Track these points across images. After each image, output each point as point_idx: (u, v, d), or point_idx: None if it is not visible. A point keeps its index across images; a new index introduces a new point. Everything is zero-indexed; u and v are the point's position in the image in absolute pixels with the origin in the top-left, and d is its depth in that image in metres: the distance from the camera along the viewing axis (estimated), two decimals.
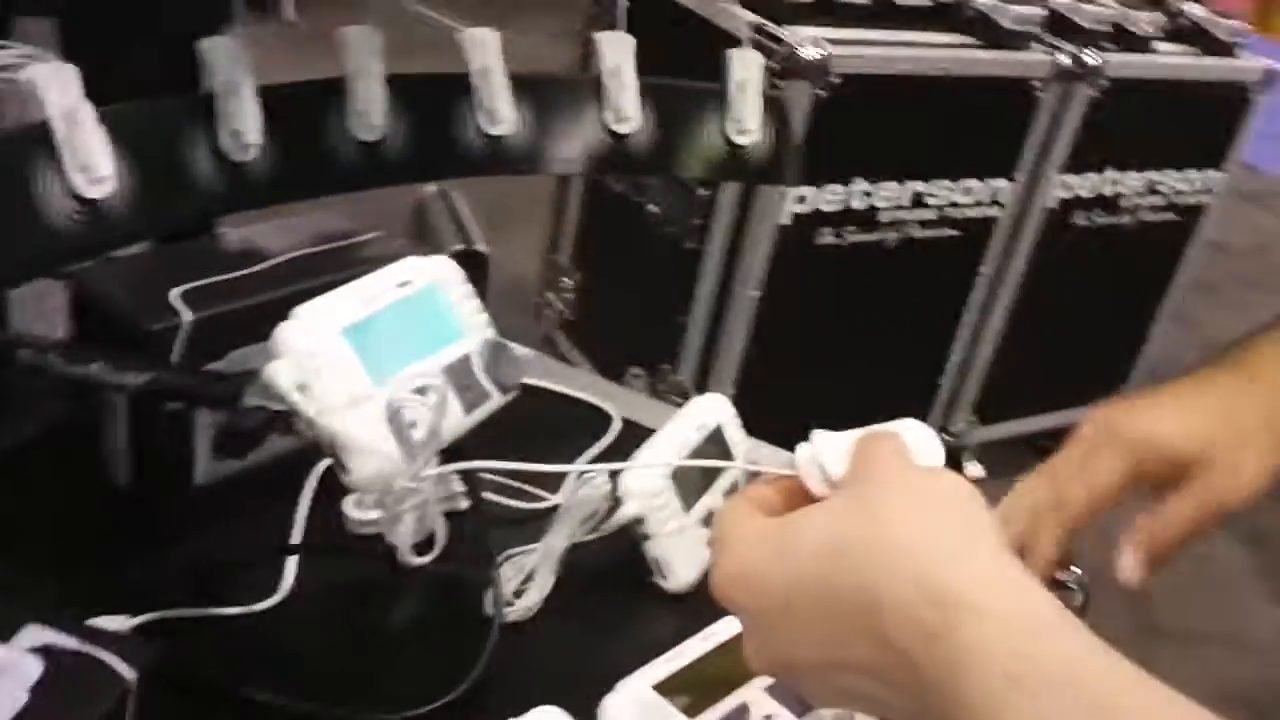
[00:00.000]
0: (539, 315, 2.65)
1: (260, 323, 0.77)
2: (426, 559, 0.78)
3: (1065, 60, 2.17)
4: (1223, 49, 2.43)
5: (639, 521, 0.80)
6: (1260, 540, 2.63)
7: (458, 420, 0.68)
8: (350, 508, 0.82)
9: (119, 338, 0.74)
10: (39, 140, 0.75)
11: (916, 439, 0.51)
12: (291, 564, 0.77)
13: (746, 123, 1.13)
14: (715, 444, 0.87)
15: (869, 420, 0.52)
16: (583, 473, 0.84)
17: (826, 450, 0.51)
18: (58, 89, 0.76)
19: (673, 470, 0.81)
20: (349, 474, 0.63)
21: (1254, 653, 2.32)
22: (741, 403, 0.89)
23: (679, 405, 0.91)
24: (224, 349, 0.77)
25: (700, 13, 2.08)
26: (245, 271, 0.79)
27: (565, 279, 2.57)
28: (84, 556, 0.78)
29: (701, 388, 2.16)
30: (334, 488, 0.74)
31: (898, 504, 0.46)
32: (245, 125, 0.86)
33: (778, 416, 0.93)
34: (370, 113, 0.94)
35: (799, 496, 0.52)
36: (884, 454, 0.49)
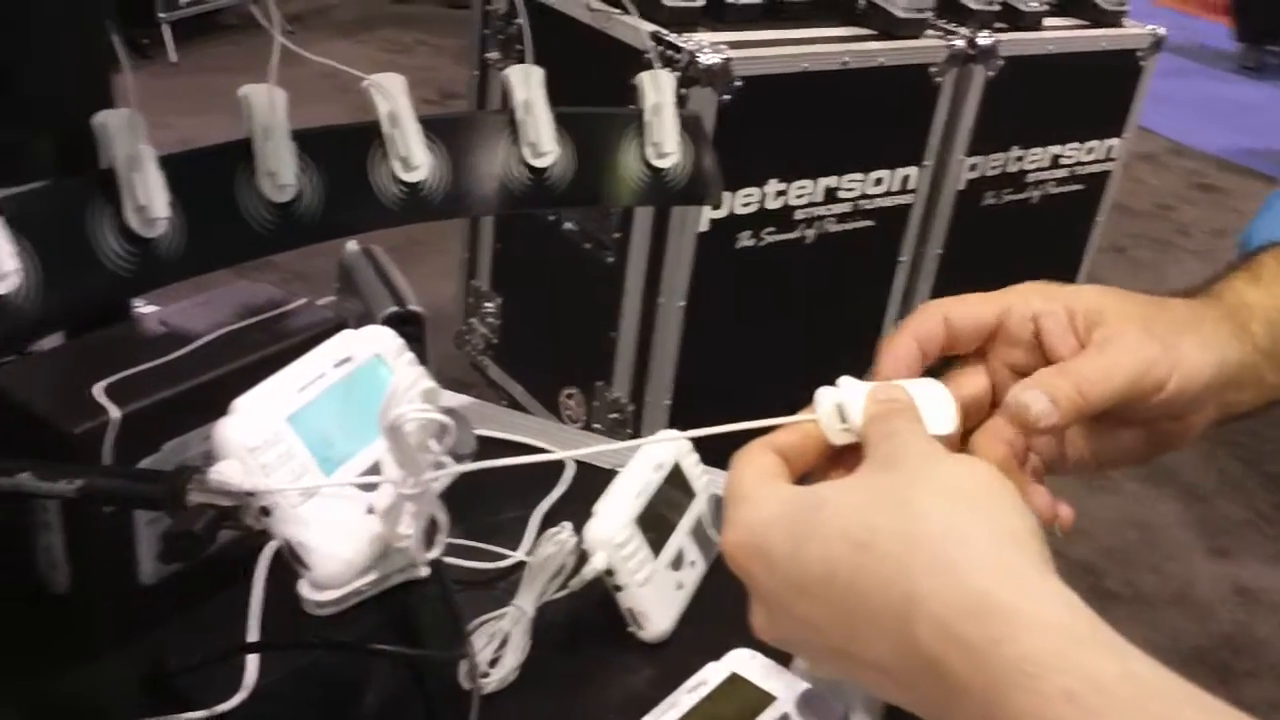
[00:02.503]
0: (463, 343, 2.61)
1: (193, 410, 0.74)
2: (392, 648, 0.75)
3: (959, 44, 2.19)
4: (1109, 19, 2.48)
5: (609, 573, 0.78)
6: (1191, 495, 2.69)
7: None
8: (306, 590, 0.79)
9: (43, 442, 0.70)
10: None
11: (931, 399, 0.50)
12: (253, 659, 0.73)
13: (665, 145, 1.11)
14: (676, 482, 0.85)
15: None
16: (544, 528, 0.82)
17: (850, 399, 0.49)
18: None
19: (637, 516, 0.79)
20: (310, 571, 0.60)
21: (1201, 608, 2.37)
22: (680, 413, 0.88)
23: (628, 435, 0.90)
24: (157, 442, 0.73)
25: (596, 26, 2.06)
26: (171, 356, 0.75)
27: (487, 304, 2.53)
28: (26, 671, 0.73)
29: (638, 401, 2.15)
30: (288, 569, 0.70)
31: (930, 499, 0.43)
32: (151, 199, 0.82)
33: (718, 422, 0.91)
34: (280, 172, 0.90)
35: (817, 444, 0.50)
36: (911, 436, 0.47)
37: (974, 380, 0.55)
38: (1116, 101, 2.54)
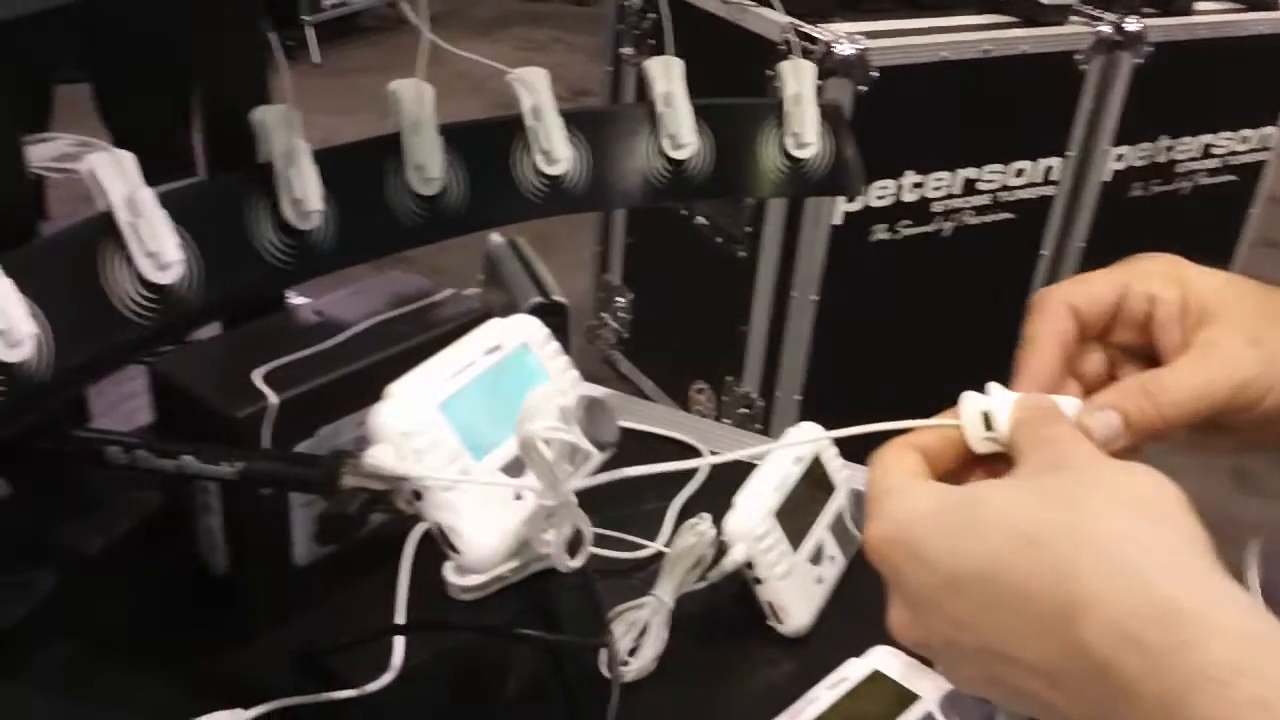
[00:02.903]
0: (594, 337, 2.63)
1: (346, 396, 0.76)
2: (535, 633, 0.76)
3: (1106, 30, 2.12)
4: (1265, 2, 2.37)
5: (748, 565, 0.77)
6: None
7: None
8: (451, 574, 0.81)
9: (206, 427, 0.73)
10: (104, 230, 0.74)
11: (1069, 411, 0.49)
12: (400, 641, 0.75)
13: (805, 135, 1.10)
14: (815, 475, 0.84)
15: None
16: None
17: (998, 407, 0.48)
18: (118, 176, 0.75)
19: (777, 509, 0.79)
20: (459, 555, 0.61)
21: None
22: (811, 408, 0.87)
23: (758, 429, 0.89)
24: (312, 427, 0.75)
25: (732, 20, 2.05)
26: (325, 344, 0.77)
27: (618, 298, 2.55)
28: (187, 650, 0.76)
29: (768, 397, 2.13)
30: (433, 552, 0.72)
31: (1101, 500, 0.42)
32: (306, 193, 0.84)
33: (849, 419, 0.90)
34: (428, 166, 0.92)
35: (956, 448, 0.49)
36: (1073, 441, 0.45)
37: (1092, 362, 0.54)
38: (1273, 88, 2.42)
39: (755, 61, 1.85)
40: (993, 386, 0.49)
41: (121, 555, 0.80)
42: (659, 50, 1.04)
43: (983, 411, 0.48)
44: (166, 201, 0.76)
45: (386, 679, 0.74)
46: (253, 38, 0.93)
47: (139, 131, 2.15)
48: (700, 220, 2.25)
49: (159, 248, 0.75)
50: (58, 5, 0.72)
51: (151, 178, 0.79)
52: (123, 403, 0.91)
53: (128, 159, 0.75)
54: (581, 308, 2.64)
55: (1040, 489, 0.43)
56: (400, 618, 0.77)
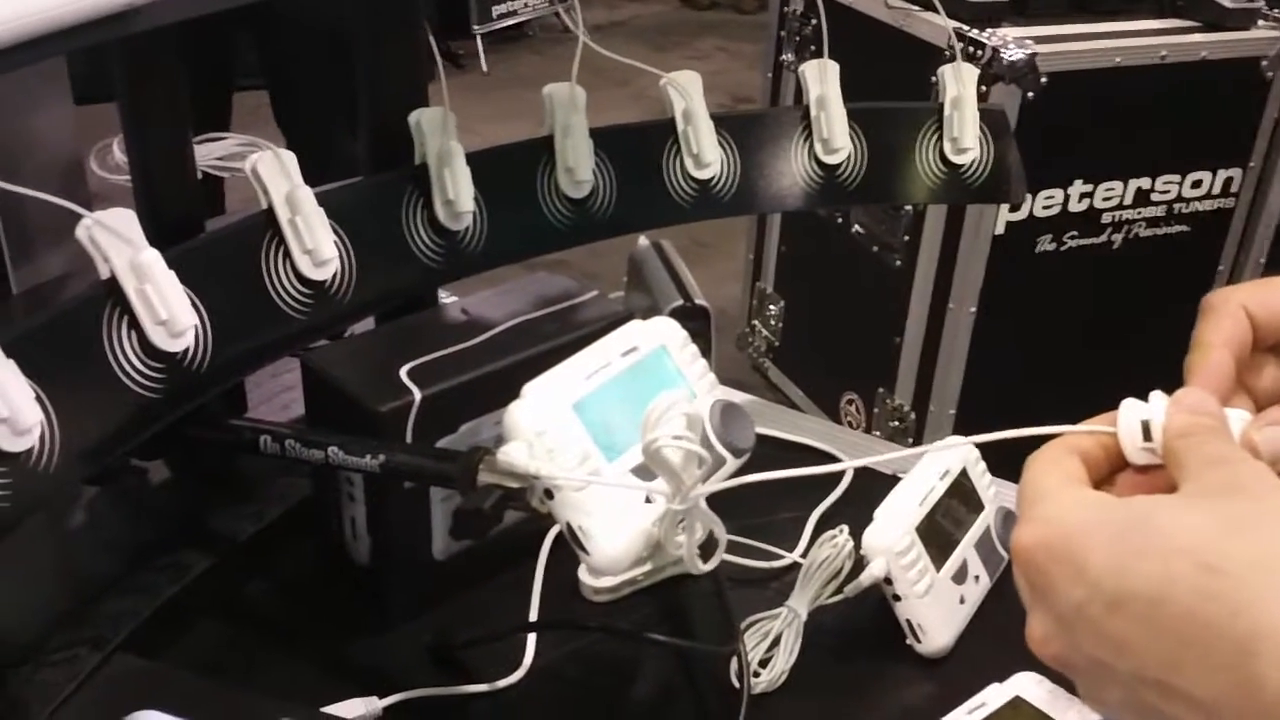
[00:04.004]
0: (745, 344, 2.61)
1: (488, 394, 0.77)
2: (666, 638, 0.75)
3: None
4: None
5: (887, 581, 0.75)
6: None
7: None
8: (585, 575, 0.81)
9: (352, 419, 0.74)
10: (264, 227, 0.76)
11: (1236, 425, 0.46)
12: (531, 638, 0.76)
13: (964, 141, 1.06)
14: (962, 492, 0.81)
15: None
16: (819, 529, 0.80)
17: (1160, 417, 0.45)
18: (279, 174, 0.77)
19: (919, 524, 0.76)
20: (589, 556, 0.61)
21: None
22: (965, 423, 0.84)
23: (909, 444, 0.86)
24: (454, 423, 0.76)
25: (896, 25, 2.01)
26: (469, 343, 0.79)
27: (770, 306, 2.53)
28: (327, 635, 0.78)
29: (920, 410, 2.08)
30: (568, 552, 0.72)
31: None
32: (459, 194, 0.86)
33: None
34: (578, 168, 0.93)
35: (1111, 457, 0.46)
36: (1245, 464, 0.42)
37: (1267, 376, 0.50)
38: None
39: (918, 67, 1.81)
40: (1155, 395, 0.47)
41: (269, 541, 0.83)
42: (819, 56, 1.03)
43: (1142, 421, 0.46)
44: (324, 200, 0.79)
45: (517, 675, 0.74)
46: (415, 44, 0.96)
47: (311, 136, 2.24)
48: (856, 228, 2.21)
49: (316, 244, 0.77)
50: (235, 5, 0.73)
51: (322, 182, 0.82)
52: (279, 394, 0.95)
53: (289, 158, 0.78)
54: (733, 315, 2.63)
55: (1219, 514, 0.40)
56: (533, 615, 0.78)
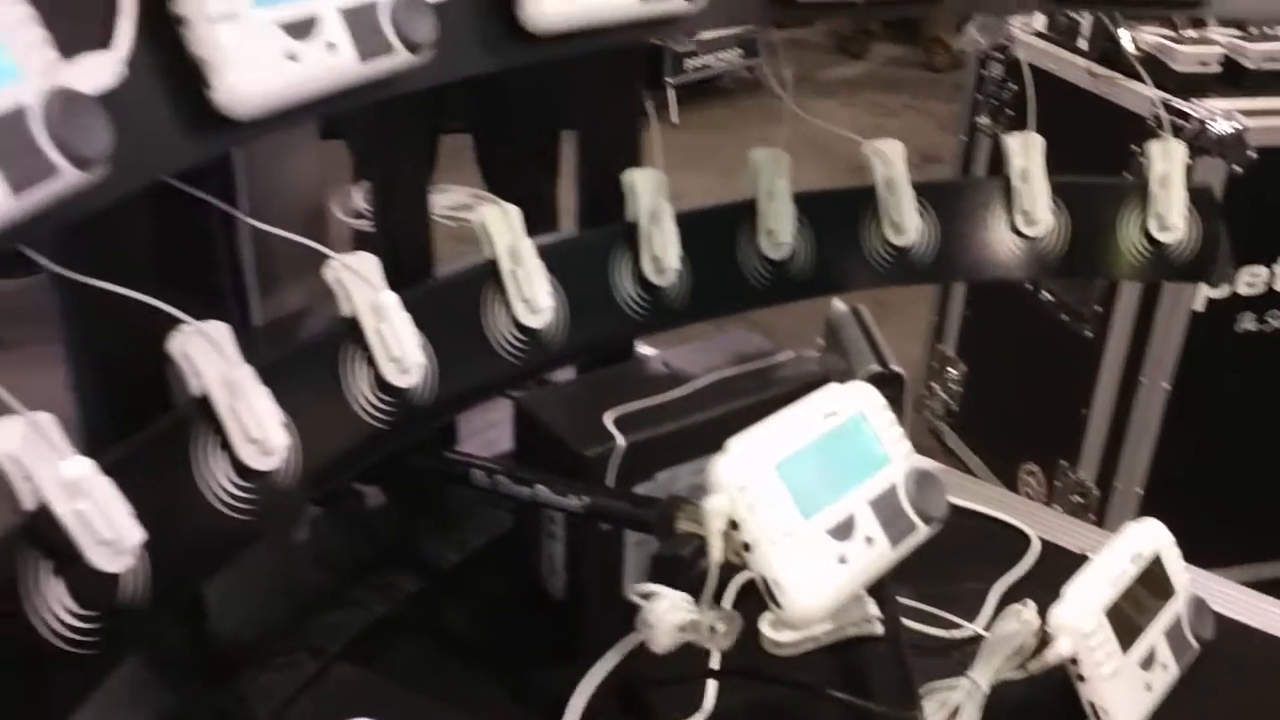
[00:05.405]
0: (922, 407, 2.59)
1: (686, 445, 0.80)
2: (847, 697, 0.77)
3: None
4: None
5: (1073, 661, 0.75)
6: None
7: (884, 554, 0.67)
8: (767, 627, 0.83)
9: (558, 460, 0.79)
10: (489, 277, 0.82)
11: None
12: (713, 684, 0.78)
13: (1170, 219, 1.05)
14: (1154, 575, 0.80)
15: None
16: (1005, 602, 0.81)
17: None
18: (505, 228, 0.83)
19: (1109, 606, 0.76)
20: (780, 609, 0.63)
21: None
22: (1152, 503, 0.83)
23: (1095, 522, 0.86)
24: (653, 470, 0.80)
25: (1098, 93, 1.98)
26: (671, 395, 0.82)
27: (951, 370, 2.50)
28: (521, 664, 0.83)
29: (1105, 486, 2.02)
30: (750, 603, 0.74)
31: None
32: (666, 252, 0.90)
33: (1194, 518, 0.84)
34: (780, 232, 0.96)
35: None
36: None
37: None
38: None
39: (1121, 136, 1.78)
40: None
41: (473, 569, 0.88)
42: (1018, 121, 1.04)
43: None
44: (543, 253, 0.84)
45: (698, 719, 0.77)
46: (630, 102, 1.01)
47: (512, 178, 2.34)
48: (1046, 295, 2.17)
49: (533, 295, 0.83)
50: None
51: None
52: (485, 430, 1.00)
53: (514, 213, 0.84)
54: (911, 376, 2.60)
55: None
56: (715, 663, 0.80)
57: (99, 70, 0.53)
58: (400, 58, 0.64)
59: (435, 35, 0.65)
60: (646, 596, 0.65)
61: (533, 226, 0.85)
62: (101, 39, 0.54)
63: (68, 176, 0.49)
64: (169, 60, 0.56)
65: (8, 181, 0.47)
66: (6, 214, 0.47)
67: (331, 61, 0.61)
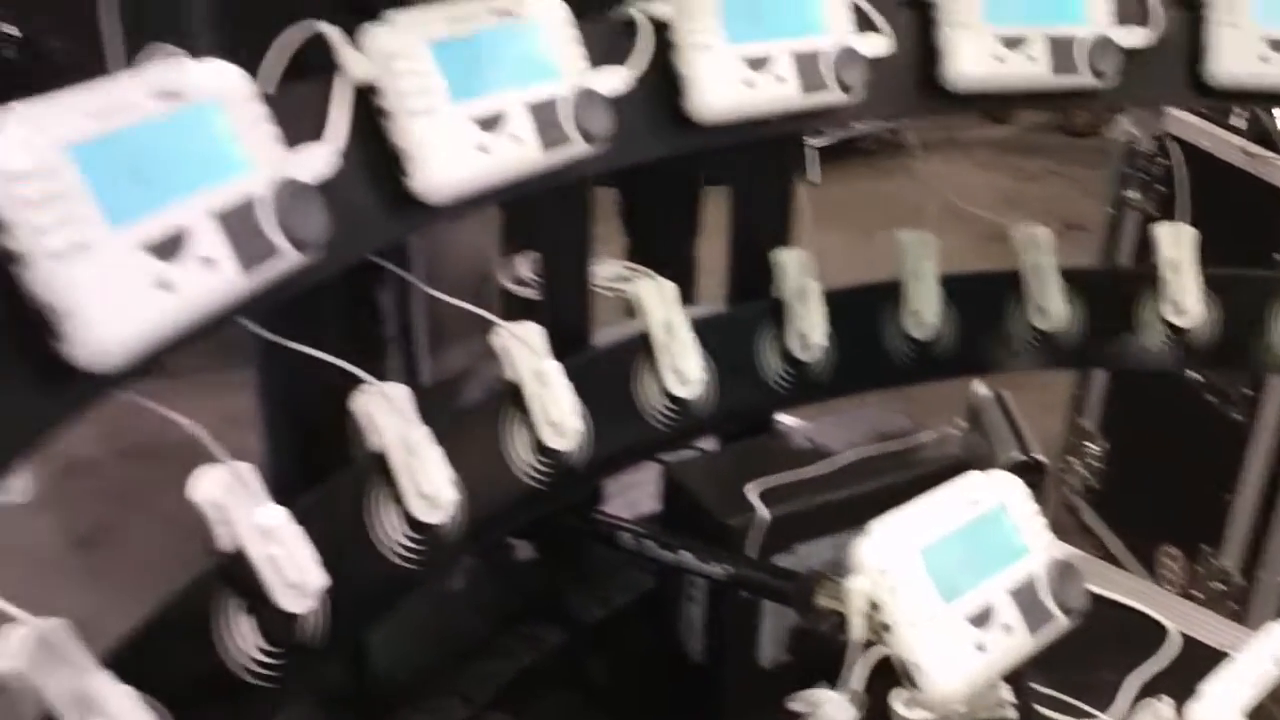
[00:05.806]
0: (1059, 482, 2.54)
1: (827, 521, 0.83)
2: None
3: None
4: None
5: None
6: None
7: (1022, 643, 0.68)
8: (900, 706, 0.84)
9: (703, 527, 0.82)
10: (641, 347, 0.86)
11: None
12: None
13: None
14: None
15: None
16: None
17: None
18: (659, 302, 0.87)
19: (1251, 708, 0.75)
20: (919, 690, 0.65)
21: None
22: None
23: (1237, 612, 0.85)
24: (793, 543, 0.83)
25: (1253, 172, 1.95)
26: (813, 471, 0.85)
27: (1090, 445, 2.46)
28: None
29: (1249, 576, 1.96)
30: (881, 678, 0.76)
31: None
32: (813, 329, 0.93)
33: None
34: (924, 312, 0.98)
35: None
36: None
37: None
38: None
39: (1273, 217, 1.74)
40: None
41: (615, 626, 0.92)
42: (1168, 198, 1.04)
43: None
44: (694, 325, 0.88)
45: None
46: (788, 187, 1.05)
47: (654, 239, 2.39)
48: (1193, 375, 2.12)
49: (686, 367, 0.87)
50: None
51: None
52: (629, 490, 1.04)
53: (669, 288, 0.88)
54: (1048, 450, 2.56)
55: None
56: None
57: (317, 160, 0.58)
58: (578, 148, 0.69)
59: (611, 129, 0.70)
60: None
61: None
62: (314, 129, 0.60)
63: (289, 257, 0.55)
64: (374, 151, 0.62)
65: (239, 261, 0.53)
66: (238, 291, 0.53)
67: (517, 152, 0.66)
